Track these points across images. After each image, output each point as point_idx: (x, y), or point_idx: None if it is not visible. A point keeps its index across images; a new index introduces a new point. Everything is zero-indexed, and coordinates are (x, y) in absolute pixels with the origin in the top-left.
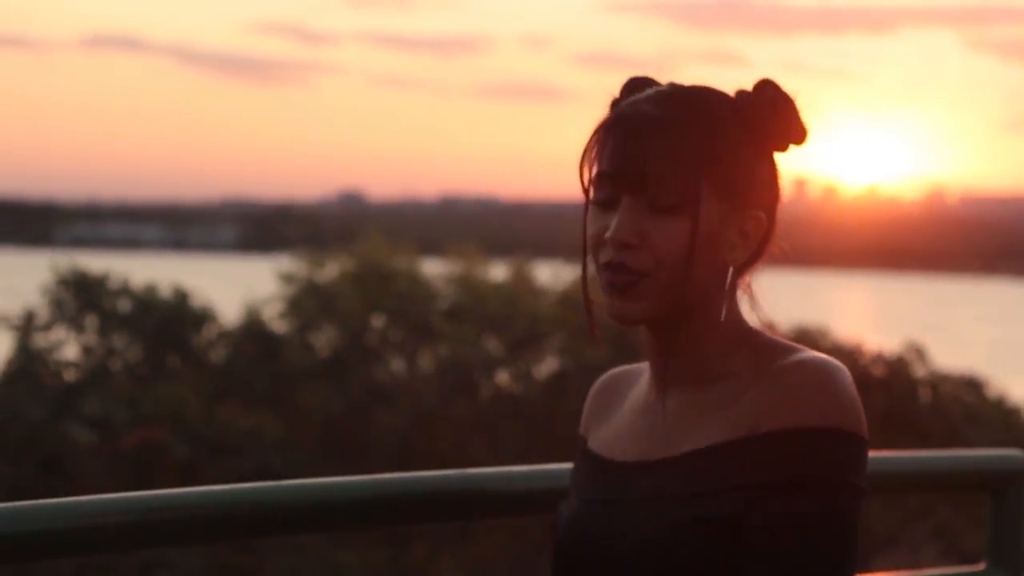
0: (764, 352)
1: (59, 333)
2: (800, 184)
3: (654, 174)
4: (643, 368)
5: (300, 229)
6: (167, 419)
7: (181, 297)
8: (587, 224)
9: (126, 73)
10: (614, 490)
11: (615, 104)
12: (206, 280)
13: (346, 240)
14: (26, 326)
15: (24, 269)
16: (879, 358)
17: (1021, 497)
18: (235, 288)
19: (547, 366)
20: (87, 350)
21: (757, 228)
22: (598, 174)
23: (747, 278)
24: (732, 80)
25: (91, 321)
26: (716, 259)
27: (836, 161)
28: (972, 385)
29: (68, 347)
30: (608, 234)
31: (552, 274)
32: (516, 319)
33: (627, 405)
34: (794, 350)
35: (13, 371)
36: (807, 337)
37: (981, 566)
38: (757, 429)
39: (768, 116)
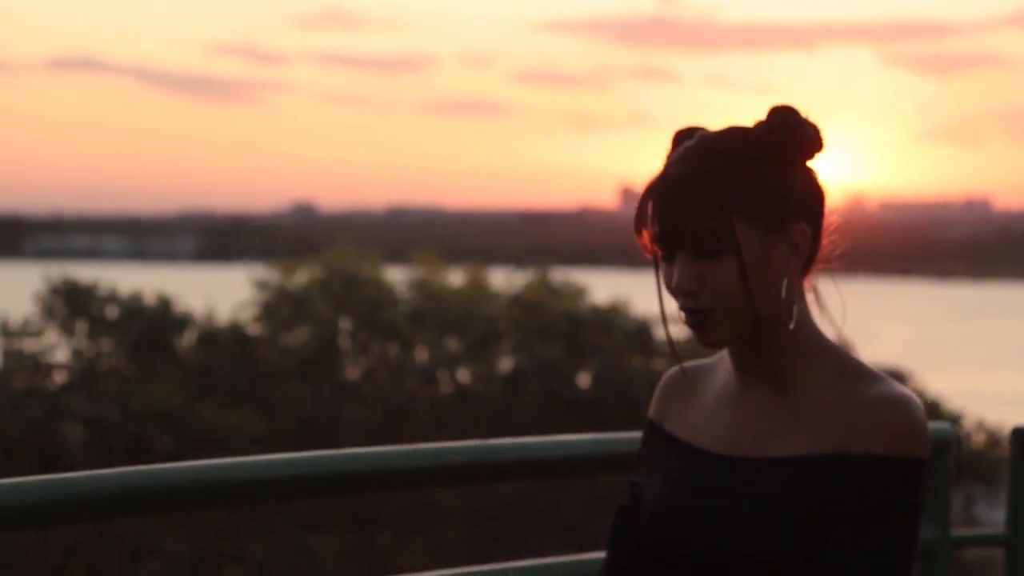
0: (847, 373)
1: (51, 338)
2: None
3: (691, 230)
4: (717, 364)
5: (255, 239)
6: (153, 416)
7: (164, 304)
8: (663, 274)
9: (88, 92)
10: (704, 478)
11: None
12: (167, 289)
13: (300, 249)
14: (18, 331)
15: None
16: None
17: (950, 463)
18: (196, 295)
19: (504, 364)
20: (77, 353)
21: (803, 238)
22: (655, 237)
23: (809, 284)
24: (664, 94)
25: (81, 326)
26: (772, 276)
27: None
28: (895, 378)
29: (59, 351)
30: (672, 285)
31: (505, 279)
32: (474, 321)
33: (708, 398)
34: (876, 378)
35: (7, 373)
36: None
37: None
38: (846, 448)
39: (782, 137)
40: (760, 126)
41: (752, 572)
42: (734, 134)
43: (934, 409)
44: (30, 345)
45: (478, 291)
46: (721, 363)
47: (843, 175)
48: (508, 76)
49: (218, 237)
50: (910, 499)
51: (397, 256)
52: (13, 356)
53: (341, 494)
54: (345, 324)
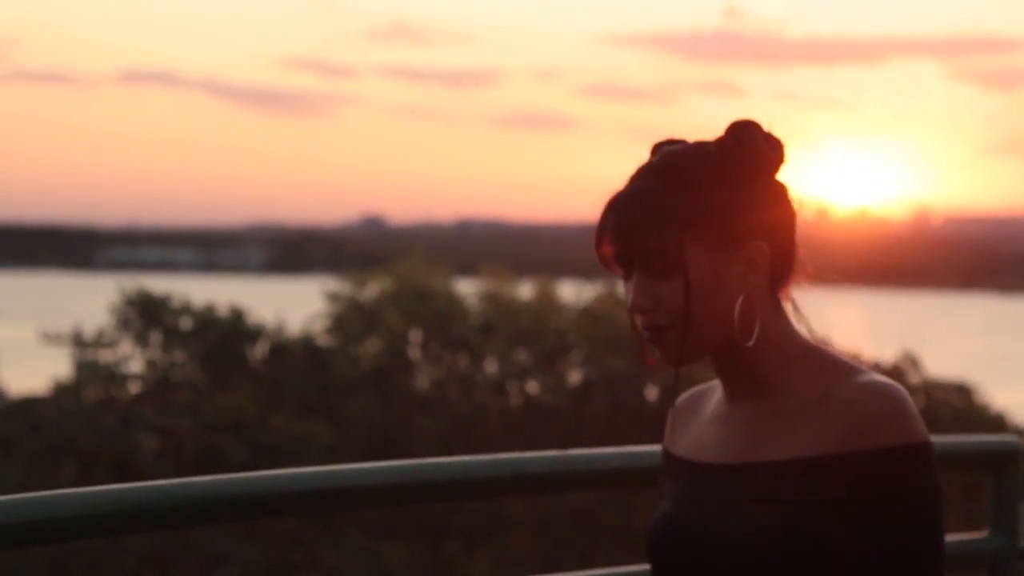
0: (827, 371)
1: (125, 349)
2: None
3: (639, 251)
4: (717, 384)
5: (324, 251)
6: (227, 427)
7: (237, 315)
8: (625, 290)
9: (160, 106)
10: (702, 488)
11: None
12: (237, 300)
13: (368, 261)
14: (93, 343)
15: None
16: (876, 367)
17: (1017, 474)
18: (265, 307)
19: (573, 376)
20: (151, 364)
21: (761, 256)
22: (613, 255)
23: (785, 295)
24: (730, 109)
25: (155, 337)
26: (726, 295)
27: (827, 184)
28: (962, 392)
29: (134, 361)
30: (629, 302)
31: (574, 292)
32: (543, 333)
33: (706, 416)
34: (858, 370)
35: (82, 384)
36: None
37: (984, 533)
38: (845, 447)
39: (740, 153)
40: (718, 143)
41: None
42: (693, 150)
43: (999, 422)
44: (105, 356)
45: (547, 304)
46: (718, 384)
47: (909, 190)
48: (575, 90)
49: (287, 249)
50: (923, 484)
51: (465, 268)
52: (88, 367)
53: (420, 503)
54: (416, 336)
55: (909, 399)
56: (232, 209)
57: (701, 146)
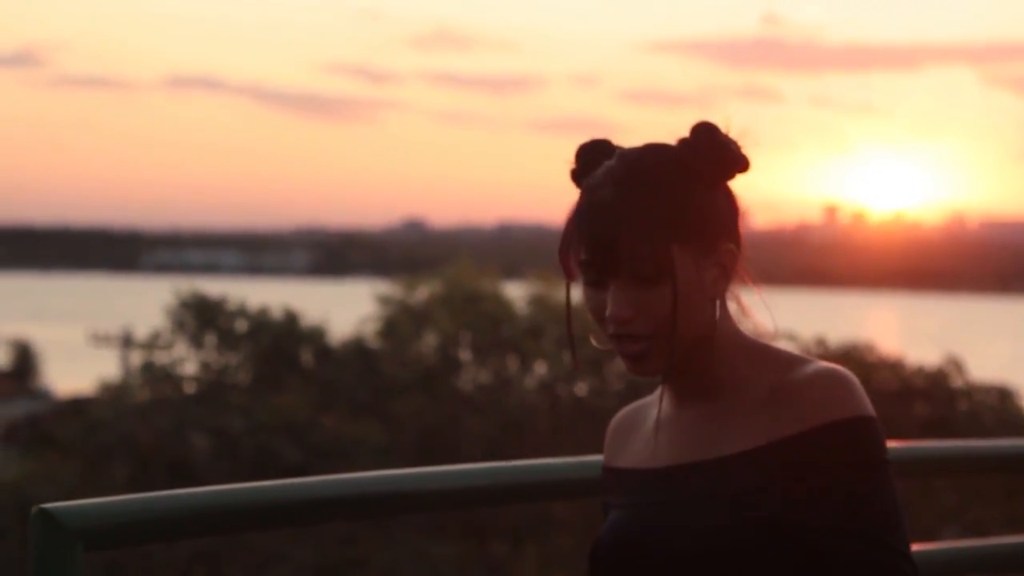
0: (777, 363)
1: (180, 350)
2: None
3: (627, 257)
4: (655, 395)
5: (367, 254)
6: (279, 428)
7: (291, 318)
8: (586, 299)
9: (205, 111)
10: (655, 492)
11: (574, 176)
12: (281, 303)
13: (410, 264)
14: (148, 343)
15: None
16: (920, 370)
17: None
18: (309, 309)
19: (620, 378)
20: (205, 366)
21: (731, 259)
22: (581, 262)
23: (732, 293)
24: (768, 114)
25: (209, 339)
26: (704, 299)
27: (864, 189)
28: (1003, 395)
29: (188, 363)
30: (607, 313)
31: None
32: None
33: (648, 425)
34: (806, 361)
35: (140, 385)
36: (856, 352)
37: None
38: (797, 429)
39: (705, 156)
40: (685, 145)
41: (711, 570)
42: (659, 153)
43: None
44: (160, 357)
45: None
46: (657, 394)
47: (944, 194)
48: (615, 95)
49: (330, 252)
50: (872, 456)
51: (505, 272)
52: (144, 368)
53: (474, 507)
54: (465, 338)
55: (855, 380)
56: (276, 213)
57: (663, 148)
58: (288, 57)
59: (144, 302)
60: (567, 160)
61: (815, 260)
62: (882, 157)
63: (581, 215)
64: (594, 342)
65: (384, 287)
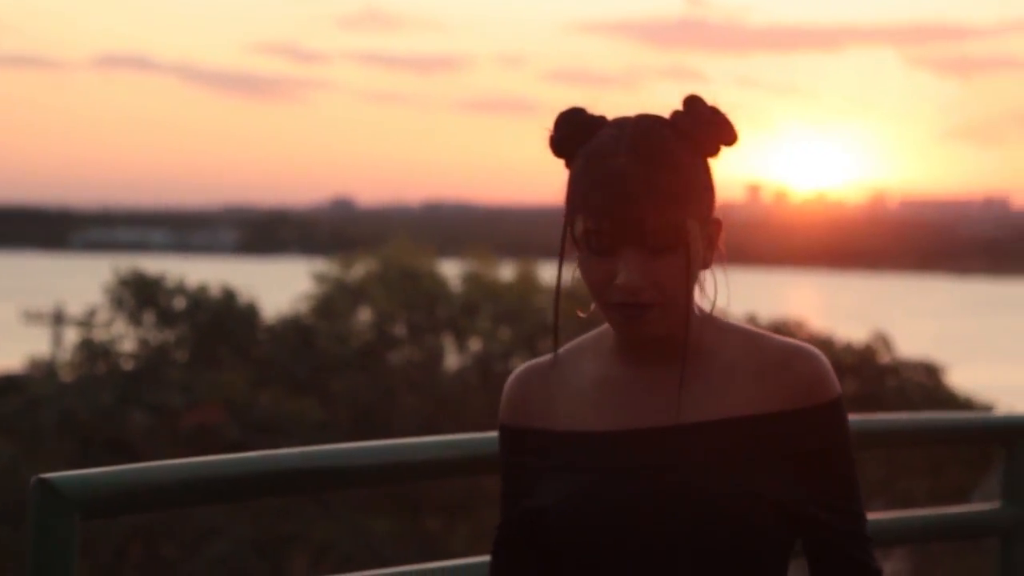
0: (739, 334)
1: (119, 328)
2: (754, 189)
3: (648, 228)
4: (566, 356)
5: (295, 232)
6: (219, 404)
7: (229, 295)
8: (587, 268)
9: (135, 90)
10: (627, 457)
11: (556, 143)
12: (211, 280)
13: (338, 242)
14: (87, 322)
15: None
16: (849, 347)
17: None
18: (239, 287)
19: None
20: (144, 343)
21: (718, 231)
22: (595, 230)
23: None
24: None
25: (148, 317)
26: (700, 269)
27: (787, 169)
28: (930, 371)
29: (127, 340)
30: (620, 281)
31: (549, 273)
32: (526, 313)
33: (575, 386)
34: (767, 333)
35: (79, 362)
36: (786, 329)
37: (997, 504)
38: (788, 405)
39: (704, 129)
40: (682, 116)
41: (711, 535)
42: (661, 124)
43: (967, 401)
44: (99, 334)
45: (528, 284)
46: (581, 350)
47: (865, 174)
48: (541, 76)
49: (259, 230)
50: (847, 434)
51: (434, 249)
52: (82, 345)
53: (404, 482)
54: (401, 316)
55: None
56: (205, 191)
57: (662, 120)
58: (217, 37)
59: (75, 279)
60: (492, 139)
61: (738, 239)
62: (805, 137)
63: (595, 184)
64: (580, 313)
65: (320, 265)
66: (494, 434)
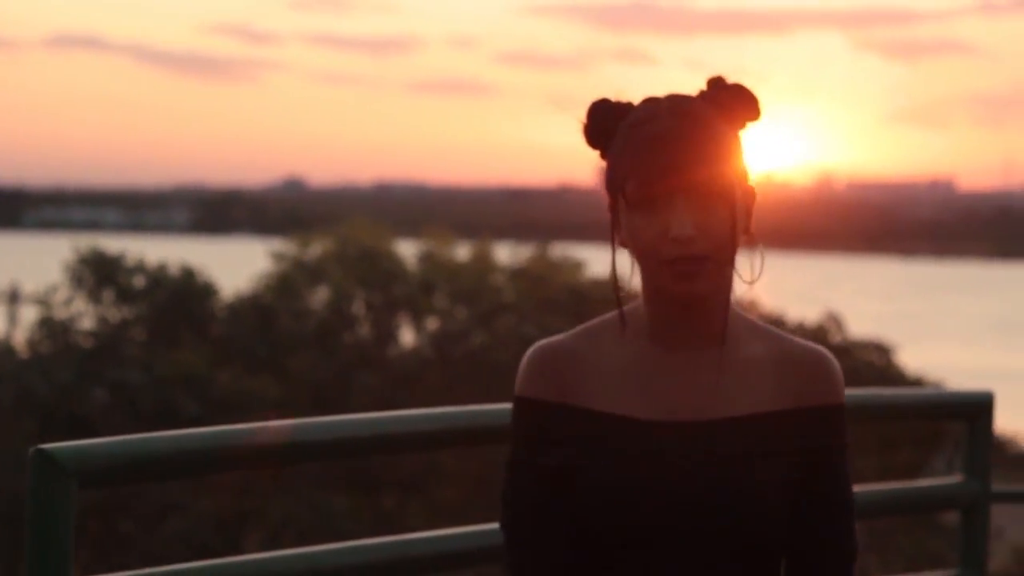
0: (758, 330)
1: (79, 305)
2: None
3: (698, 177)
4: (592, 333)
5: (247, 212)
6: (178, 382)
7: (188, 274)
8: (638, 229)
9: (88, 70)
10: (678, 445)
11: (591, 132)
12: (166, 260)
13: (290, 222)
14: (46, 300)
15: None
16: (800, 327)
17: (989, 424)
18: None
19: (511, 333)
20: (103, 321)
21: (752, 200)
22: (646, 183)
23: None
24: (642, 76)
25: (107, 295)
26: (742, 229)
27: None
28: (881, 350)
29: (86, 318)
30: (674, 232)
31: (509, 253)
32: (483, 292)
33: (608, 364)
34: (784, 334)
35: (38, 340)
36: (738, 309)
37: (958, 478)
38: (801, 403)
39: (732, 103)
40: (716, 95)
41: (754, 528)
42: (693, 99)
43: (918, 380)
44: (58, 312)
45: (484, 264)
46: (597, 333)
47: (813, 156)
48: (492, 57)
49: (211, 210)
50: (847, 438)
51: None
52: (41, 323)
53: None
54: (359, 295)
55: None
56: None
57: (692, 97)
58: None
59: (29, 258)
60: (444, 120)
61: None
62: None
63: (641, 146)
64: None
65: (274, 244)
66: (449, 409)
